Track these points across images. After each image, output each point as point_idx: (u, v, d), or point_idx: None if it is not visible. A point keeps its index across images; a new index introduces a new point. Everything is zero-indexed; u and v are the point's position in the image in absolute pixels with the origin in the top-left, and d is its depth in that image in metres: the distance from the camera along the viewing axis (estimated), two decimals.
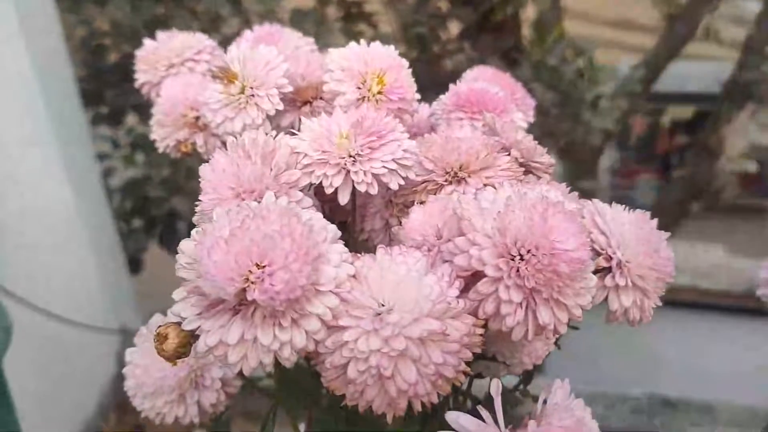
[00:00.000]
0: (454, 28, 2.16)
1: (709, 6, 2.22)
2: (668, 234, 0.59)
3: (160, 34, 0.79)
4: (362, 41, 0.65)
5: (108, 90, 2.07)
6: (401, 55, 0.66)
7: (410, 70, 0.66)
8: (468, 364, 0.49)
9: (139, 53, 0.78)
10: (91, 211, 1.75)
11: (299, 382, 0.57)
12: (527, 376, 0.67)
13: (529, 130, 0.71)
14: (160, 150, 0.72)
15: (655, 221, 0.59)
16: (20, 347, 1.50)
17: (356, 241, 0.61)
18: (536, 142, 0.63)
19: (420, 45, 2.10)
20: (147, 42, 0.79)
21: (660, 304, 0.58)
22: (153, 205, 2.09)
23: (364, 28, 2.17)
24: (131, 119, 2.13)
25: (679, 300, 2.08)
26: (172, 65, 0.76)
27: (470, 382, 0.66)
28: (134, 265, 2.10)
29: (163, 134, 0.72)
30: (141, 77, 0.78)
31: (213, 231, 0.44)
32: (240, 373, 0.47)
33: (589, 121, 2.11)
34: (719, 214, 2.44)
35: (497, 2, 2.03)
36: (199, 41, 0.78)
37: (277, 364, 0.48)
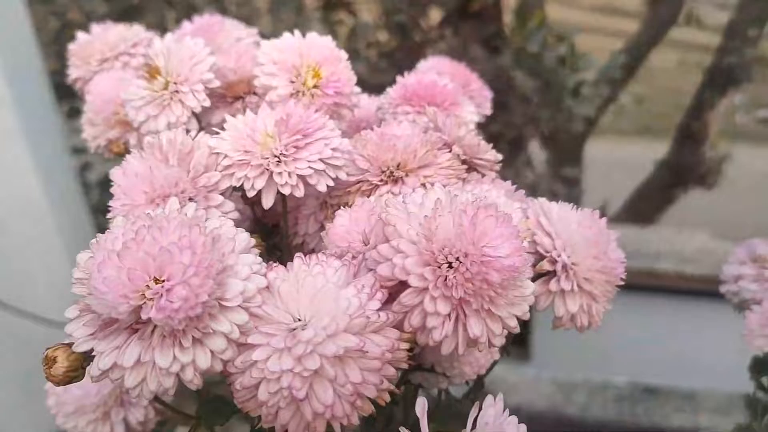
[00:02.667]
0: (436, 15, 2.13)
1: None
2: (617, 234, 0.56)
3: (95, 27, 0.75)
4: (297, 32, 0.61)
5: None
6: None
7: (348, 63, 0.62)
8: (406, 375, 0.46)
9: (71, 47, 0.74)
10: (65, 206, 1.71)
11: (224, 399, 0.54)
12: (477, 384, 0.64)
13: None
14: (92, 150, 0.69)
15: (605, 220, 0.55)
16: None
17: (290, 246, 0.58)
18: (480, 139, 0.59)
19: (401, 33, 2.06)
20: (80, 35, 0.75)
21: (610, 308, 0.55)
22: None
23: (344, 17, 2.13)
24: None
25: (664, 286, 2.06)
26: (105, 59, 0.72)
27: (416, 392, 0.62)
28: None
29: (94, 133, 0.68)
30: (73, 72, 0.74)
31: (105, 243, 0.40)
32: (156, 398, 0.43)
33: (571, 108, 2.08)
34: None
35: None
36: (135, 33, 0.74)
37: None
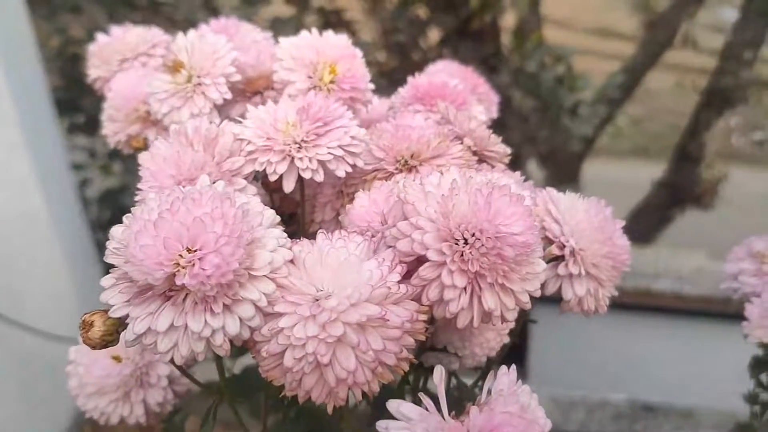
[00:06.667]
0: (435, 35, 2.16)
1: (687, 13, 2.23)
2: (623, 222, 0.58)
3: (115, 29, 0.78)
4: (314, 30, 0.64)
5: (84, 99, 2.06)
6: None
7: (363, 60, 0.65)
8: (418, 355, 0.47)
9: (91, 48, 0.77)
10: (66, 221, 1.72)
11: (247, 379, 0.55)
12: (487, 372, 0.65)
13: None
14: (112, 145, 0.71)
15: (611, 209, 0.57)
16: None
17: (307, 233, 0.60)
18: (490, 132, 0.62)
19: (400, 53, 2.09)
20: (100, 36, 0.77)
21: (615, 293, 0.57)
22: None
23: None
24: None
25: (662, 306, 2.07)
26: (125, 60, 0.75)
27: (425, 379, 0.64)
28: None
29: (115, 129, 0.70)
30: (93, 72, 0.76)
31: (141, 214, 0.42)
32: (181, 369, 0.45)
33: (569, 128, 2.11)
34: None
35: (476, 9, 2.02)
36: (154, 35, 0.77)
37: (218, 356, 0.46)
